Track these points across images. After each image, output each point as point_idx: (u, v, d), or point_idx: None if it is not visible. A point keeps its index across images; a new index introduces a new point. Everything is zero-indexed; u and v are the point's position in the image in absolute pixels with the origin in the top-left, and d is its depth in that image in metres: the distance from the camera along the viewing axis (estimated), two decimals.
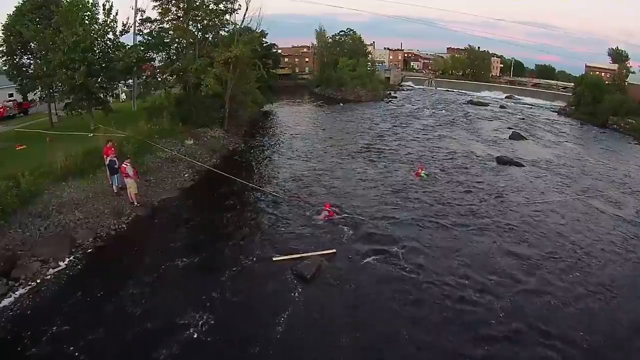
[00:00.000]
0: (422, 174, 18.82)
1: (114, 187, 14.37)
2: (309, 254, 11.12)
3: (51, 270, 10.48)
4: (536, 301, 9.73)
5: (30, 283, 9.96)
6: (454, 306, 9.35)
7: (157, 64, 26.01)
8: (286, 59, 72.43)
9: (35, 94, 23.90)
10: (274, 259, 10.95)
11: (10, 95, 28.18)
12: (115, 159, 14.10)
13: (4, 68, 22.22)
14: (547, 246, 12.59)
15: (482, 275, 10.66)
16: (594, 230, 14.07)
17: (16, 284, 9.85)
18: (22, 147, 17.80)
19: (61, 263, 10.78)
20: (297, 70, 75.24)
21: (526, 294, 10.02)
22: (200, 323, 8.62)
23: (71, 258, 11.05)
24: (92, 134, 19.62)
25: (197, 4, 23.73)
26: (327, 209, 14.04)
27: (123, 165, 13.55)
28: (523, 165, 21.93)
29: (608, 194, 17.88)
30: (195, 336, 8.29)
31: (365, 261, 11.14)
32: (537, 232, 13.61)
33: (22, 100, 27.84)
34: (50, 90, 21.93)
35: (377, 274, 10.56)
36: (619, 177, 21.21)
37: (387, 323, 8.79)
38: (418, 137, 28.66)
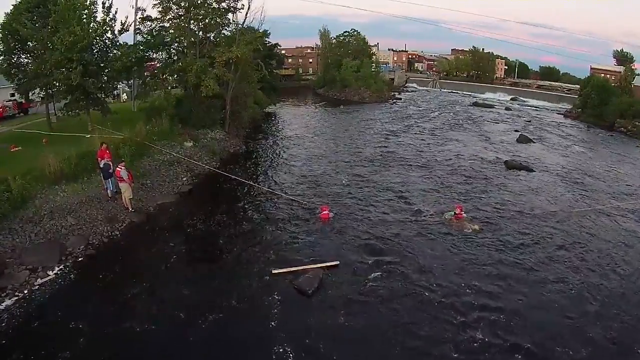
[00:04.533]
0: (465, 216, 13.85)
1: (108, 191, 13.87)
2: (310, 266, 10.54)
3: (40, 280, 10.01)
4: None
5: (17, 294, 9.50)
6: (467, 329, 8.58)
7: (157, 63, 25.62)
8: (290, 60, 72.12)
9: (33, 94, 23.45)
10: (273, 271, 10.37)
11: (12, 95, 27.73)
12: (109, 162, 13.60)
13: (4, 65, 21.70)
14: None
15: (511, 304, 9.47)
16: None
17: (3, 294, 9.41)
18: (17, 149, 17.38)
19: (50, 272, 10.30)
20: (300, 71, 74.71)
21: None
22: (194, 340, 8.14)
23: (61, 267, 10.57)
24: (89, 136, 19.18)
25: (199, 2, 23.21)
26: (325, 211, 13.78)
27: (117, 168, 13.06)
28: (533, 170, 21.26)
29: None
30: (189, 353, 7.83)
31: (370, 275, 10.48)
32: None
33: (22, 100, 27.41)
34: (49, 90, 21.49)
35: (383, 290, 9.89)
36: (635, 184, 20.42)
37: (393, 345, 8.19)
38: (424, 141, 27.85)
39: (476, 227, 13.30)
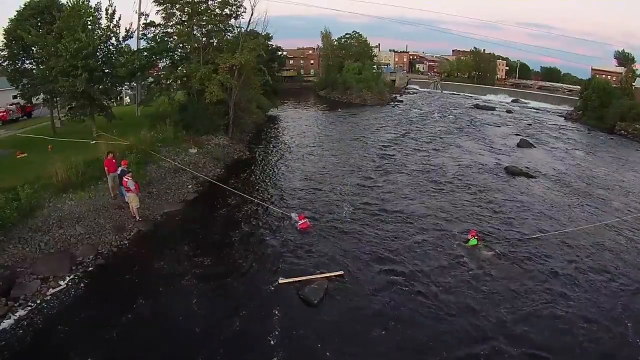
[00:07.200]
0: (472, 242, 13.07)
1: (119, 198, 14.02)
2: (316, 276, 10.75)
3: (51, 290, 10.20)
4: None
5: (30, 304, 9.69)
6: (471, 342, 8.75)
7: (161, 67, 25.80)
8: (291, 61, 71.97)
9: (37, 99, 23.62)
10: (279, 281, 10.60)
11: (15, 97, 27.87)
12: (125, 169, 13.74)
13: (8, 70, 21.84)
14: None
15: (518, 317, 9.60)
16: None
17: (16, 304, 9.60)
18: (23, 155, 17.54)
19: (61, 282, 10.51)
20: (302, 72, 74.68)
21: None
22: (202, 349, 8.34)
23: (72, 277, 10.76)
24: (94, 142, 19.36)
25: (202, 8, 23.39)
26: (302, 220, 13.96)
27: (124, 179, 13.22)
28: (533, 177, 21.46)
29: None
30: None
31: (374, 285, 10.71)
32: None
33: (25, 104, 27.54)
34: (53, 96, 21.63)
35: (388, 299, 10.11)
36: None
37: (399, 355, 8.40)
38: (426, 150, 27.22)
39: (488, 254, 12.59)
